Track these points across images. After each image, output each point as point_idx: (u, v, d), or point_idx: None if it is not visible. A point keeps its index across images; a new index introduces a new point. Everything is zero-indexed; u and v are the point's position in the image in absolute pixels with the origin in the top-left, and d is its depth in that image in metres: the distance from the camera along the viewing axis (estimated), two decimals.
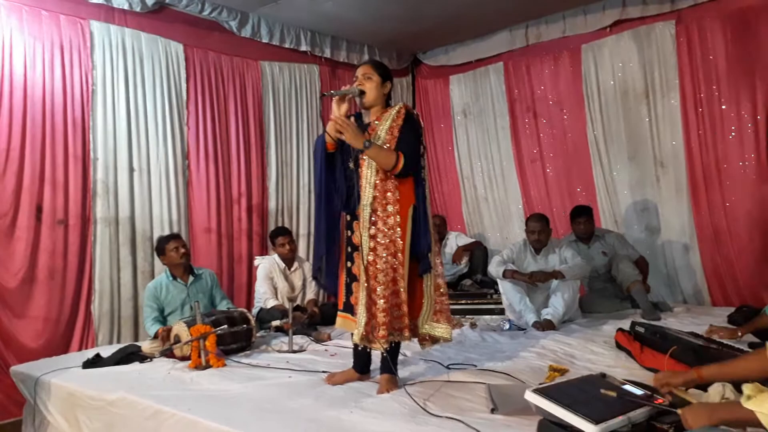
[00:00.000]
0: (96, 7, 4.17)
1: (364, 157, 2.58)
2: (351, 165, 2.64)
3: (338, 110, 2.60)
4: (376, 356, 2.75)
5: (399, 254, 2.54)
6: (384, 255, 2.53)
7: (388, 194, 2.57)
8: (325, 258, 2.73)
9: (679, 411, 1.75)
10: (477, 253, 5.30)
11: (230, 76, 4.97)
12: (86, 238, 4.06)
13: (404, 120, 2.61)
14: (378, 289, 2.52)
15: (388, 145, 2.56)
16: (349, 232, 2.69)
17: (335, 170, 2.69)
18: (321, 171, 2.70)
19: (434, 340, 2.74)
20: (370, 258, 2.54)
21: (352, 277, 2.67)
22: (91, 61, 4.13)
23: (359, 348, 2.71)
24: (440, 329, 2.69)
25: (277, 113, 5.28)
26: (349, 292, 2.70)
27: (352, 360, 2.85)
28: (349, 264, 2.70)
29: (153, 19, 4.50)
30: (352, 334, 2.69)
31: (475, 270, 5.21)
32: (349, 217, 2.70)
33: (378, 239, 2.54)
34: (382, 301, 2.51)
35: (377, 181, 2.57)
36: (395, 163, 2.51)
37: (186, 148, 4.65)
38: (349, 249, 2.69)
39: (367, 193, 2.57)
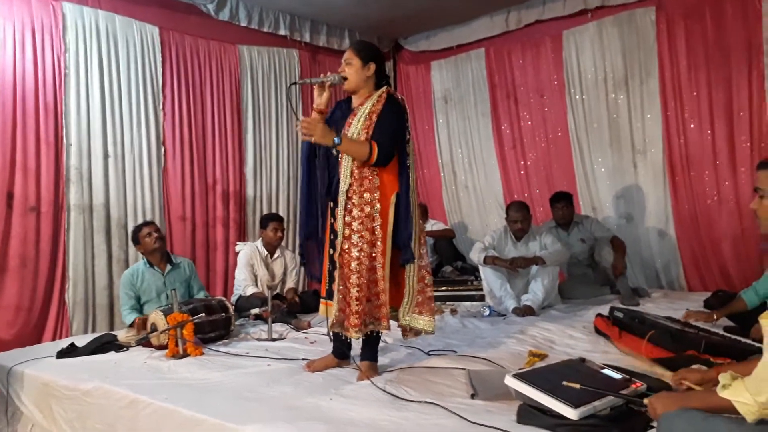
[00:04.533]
0: None
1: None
2: (335, 152, 2.59)
3: (319, 98, 2.60)
4: (357, 342, 2.73)
5: (378, 243, 2.51)
6: (359, 243, 2.49)
7: (366, 182, 2.52)
8: (308, 245, 2.73)
9: (645, 401, 1.73)
10: (442, 243, 5.30)
11: (207, 61, 4.89)
12: (59, 225, 3.99)
13: (384, 104, 2.55)
14: (352, 278, 2.48)
15: (366, 131, 2.50)
16: (332, 220, 2.65)
17: (318, 158, 2.66)
18: (305, 159, 2.69)
19: (416, 332, 2.71)
20: (345, 246, 2.52)
21: (334, 265, 2.63)
22: (64, 44, 4.03)
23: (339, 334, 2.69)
24: (422, 321, 2.63)
25: (255, 99, 5.21)
26: (331, 279, 2.68)
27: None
28: (331, 251, 2.66)
29: (128, 2, 4.40)
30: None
31: (442, 261, 5.22)
32: (332, 205, 2.66)
33: (353, 227, 2.51)
34: (355, 290, 2.47)
35: (354, 169, 2.52)
36: (369, 154, 2.45)
37: (161, 133, 4.57)
38: (332, 236, 2.66)
39: (344, 181, 2.54)
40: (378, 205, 2.52)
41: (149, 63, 4.48)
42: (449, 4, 5.29)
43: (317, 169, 2.64)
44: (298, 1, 5.06)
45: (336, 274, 2.59)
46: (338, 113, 2.71)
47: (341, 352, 2.78)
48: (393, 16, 5.52)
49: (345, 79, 2.60)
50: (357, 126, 2.54)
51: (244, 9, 5.00)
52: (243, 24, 5.03)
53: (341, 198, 2.54)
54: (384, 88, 2.63)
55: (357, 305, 2.48)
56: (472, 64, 5.89)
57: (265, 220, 4.57)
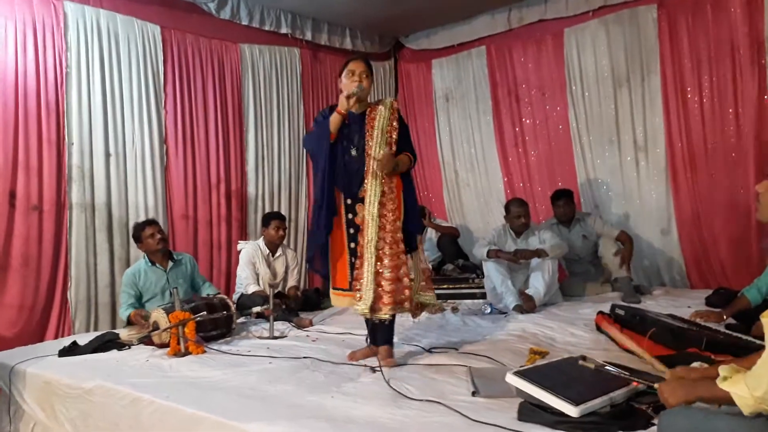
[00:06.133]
0: None
1: (370, 143, 2.75)
2: (353, 152, 2.78)
3: (347, 104, 2.74)
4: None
5: (399, 233, 2.73)
6: (390, 232, 2.70)
7: (393, 178, 2.76)
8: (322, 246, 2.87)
9: (656, 385, 1.76)
10: (445, 241, 5.30)
11: (209, 59, 4.89)
12: (61, 224, 3.99)
13: (398, 116, 2.85)
14: (385, 261, 2.67)
15: (387, 137, 2.77)
16: (350, 215, 2.80)
17: (337, 159, 2.80)
18: (326, 161, 2.77)
19: (423, 307, 2.93)
20: (381, 235, 2.70)
21: (356, 256, 2.77)
22: (65, 42, 4.03)
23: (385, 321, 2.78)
24: (428, 297, 2.91)
25: (256, 97, 5.21)
26: (354, 271, 2.79)
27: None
28: (352, 245, 2.80)
29: (129, 1, 4.40)
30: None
31: (445, 258, 5.22)
32: (350, 201, 2.80)
33: (388, 218, 2.72)
34: (388, 271, 2.66)
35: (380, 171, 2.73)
36: (411, 164, 2.87)
37: (164, 132, 4.57)
38: (352, 230, 2.80)
39: (375, 185, 2.71)
40: (396, 200, 2.76)
41: (151, 62, 4.48)
42: (450, 2, 5.28)
43: (338, 169, 2.77)
44: None
45: (358, 262, 2.74)
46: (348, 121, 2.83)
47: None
48: (394, 14, 5.52)
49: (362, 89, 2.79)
50: (380, 134, 2.76)
51: (245, 8, 5.00)
52: (244, 22, 5.03)
53: (374, 191, 2.71)
54: (392, 99, 2.90)
55: (389, 285, 2.66)
56: (474, 61, 5.89)
57: (267, 219, 4.58)
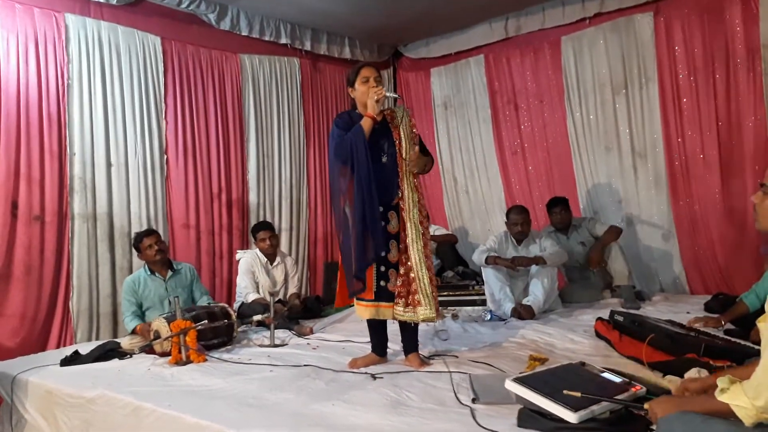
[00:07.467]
0: None
1: (400, 149, 2.80)
2: (384, 159, 2.82)
3: (375, 108, 2.74)
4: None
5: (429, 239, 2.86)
6: (427, 238, 2.81)
7: (419, 185, 2.87)
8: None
9: (646, 405, 1.74)
10: (444, 248, 5.32)
11: (209, 70, 4.92)
12: (63, 234, 4.01)
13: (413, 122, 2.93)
14: (429, 269, 2.76)
15: (412, 139, 2.84)
16: (383, 223, 2.81)
17: (372, 166, 2.77)
18: (369, 170, 2.72)
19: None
20: (423, 242, 2.78)
21: (388, 265, 2.81)
22: (67, 54, 4.07)
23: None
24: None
25: (257, 106, 5.24)
26: (385, 280, 2.81)
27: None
28: (383, 253, 2.80)
29: (130, 12, 4.43)
30: (367, 321, 2.90)
31: (444, 266, 5.23)
32: (382, 209, 2.80)
33: (424, 225, 2.83)
34: (430, 274, 2.76)
35: (413, 179, 2.83)
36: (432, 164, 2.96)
37: (164, 142, 4.60)
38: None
39: (410, 185, 2.79)
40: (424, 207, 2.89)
41: (151, 72, 4.52)
42: (448, 11, 5.32)
43: (376, 179, 2.74)
44: (299, 10, 5.09)
45: (391, 273, 2.80)
46: (377, 127, 2.83)
47: (383, 349, 2.94)
48: (392, 23, 5.56)
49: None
50: (406, 138, 2.83)
51: (245, 18, 5.04)
52: (244, 33, 5.07)
53: (411, 198, 2.79)
54: (406, 107, 2.93)
55: (435, 289, 2.76)
56: (472, 70, 5.92)
57: (254, 231, 4.61)
